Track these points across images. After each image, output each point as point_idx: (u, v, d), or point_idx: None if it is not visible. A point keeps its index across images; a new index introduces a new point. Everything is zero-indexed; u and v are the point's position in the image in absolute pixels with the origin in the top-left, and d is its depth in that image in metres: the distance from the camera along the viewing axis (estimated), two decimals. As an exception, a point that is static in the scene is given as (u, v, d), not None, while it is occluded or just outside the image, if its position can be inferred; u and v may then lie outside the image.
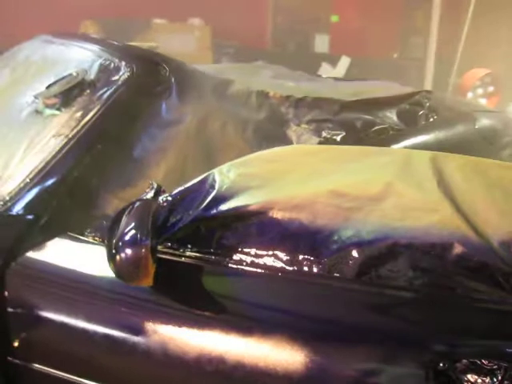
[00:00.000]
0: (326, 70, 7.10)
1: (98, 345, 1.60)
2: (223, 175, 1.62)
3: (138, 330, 1.56)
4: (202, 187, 1.61)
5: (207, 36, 7.75)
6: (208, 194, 1.58)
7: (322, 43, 7.73)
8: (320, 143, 2.71)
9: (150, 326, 1.55)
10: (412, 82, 7.28)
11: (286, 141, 2.68)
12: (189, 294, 1.59)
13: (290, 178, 1.61)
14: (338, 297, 1.51)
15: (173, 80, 2.28)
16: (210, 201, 1.56)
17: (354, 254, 1.45)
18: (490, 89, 7.04)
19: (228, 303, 1.58)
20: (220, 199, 1.56)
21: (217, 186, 1.58)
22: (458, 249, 1.41)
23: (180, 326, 1.53)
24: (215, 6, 7.94)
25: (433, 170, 1.64)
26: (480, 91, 6.99)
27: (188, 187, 1.63)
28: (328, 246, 1.47)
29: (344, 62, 7.07)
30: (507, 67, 7.35)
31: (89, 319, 1.61)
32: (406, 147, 2.97)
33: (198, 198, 1.59)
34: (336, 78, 4.44)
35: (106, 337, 1.59)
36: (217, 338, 1.50)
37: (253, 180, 1.61)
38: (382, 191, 1.54)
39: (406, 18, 8.15)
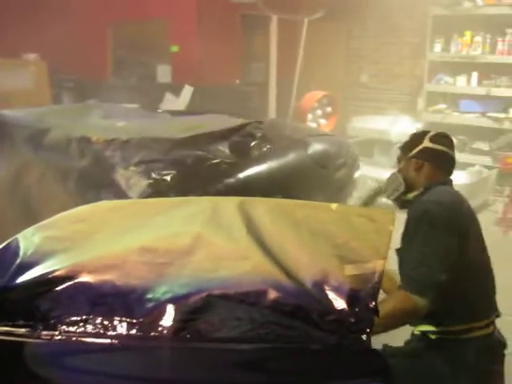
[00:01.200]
0: (169, 99, 7.07)
1: None
2: (27, 240, 1.53)
3: None
4: (6, 254, 1.51)
5: (43, 71, 7.47)
6: (12, 261, 1.48)
7: (164, 73, 7.71)
8: (150, 185, 2.67)
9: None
10: (256, 107, 7.45)
11: (114, 186, 2.60)
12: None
13: (98, 238, 1.55)
14: (157, 356, 1.46)
15: (-19, 133, 2.15)
16: (15, 269, 1.46)
17: (169, 310, 1.41)
18: (328, 109, 7.36)
19: (45, 376, 1.48)
20: (25, 266, 1.46)
21: (21, 253, 1.49)
22: (271, 295, 1.41)
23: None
24: (52, 40, 7.67)
25: (241, 217, 1.64)
26: (319, 112, 7.28)
27: (-10, 255, 1.52)
28: (143, 305, 1.42)
29: (187, 91, 7.08)
30: (343, 87, 7.75)
31: None
32: (239, 180, 3.00)
33: (2, 266, 1.48)
34: (172, 112, 4.42)
35: None
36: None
37: (59, 243, 1.53)
38: (191, 243, 1.52)
39: (245, 45, 8.33)
